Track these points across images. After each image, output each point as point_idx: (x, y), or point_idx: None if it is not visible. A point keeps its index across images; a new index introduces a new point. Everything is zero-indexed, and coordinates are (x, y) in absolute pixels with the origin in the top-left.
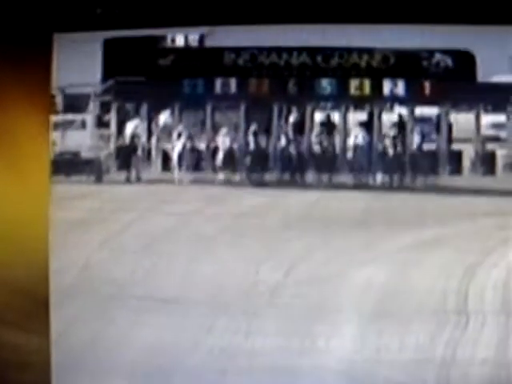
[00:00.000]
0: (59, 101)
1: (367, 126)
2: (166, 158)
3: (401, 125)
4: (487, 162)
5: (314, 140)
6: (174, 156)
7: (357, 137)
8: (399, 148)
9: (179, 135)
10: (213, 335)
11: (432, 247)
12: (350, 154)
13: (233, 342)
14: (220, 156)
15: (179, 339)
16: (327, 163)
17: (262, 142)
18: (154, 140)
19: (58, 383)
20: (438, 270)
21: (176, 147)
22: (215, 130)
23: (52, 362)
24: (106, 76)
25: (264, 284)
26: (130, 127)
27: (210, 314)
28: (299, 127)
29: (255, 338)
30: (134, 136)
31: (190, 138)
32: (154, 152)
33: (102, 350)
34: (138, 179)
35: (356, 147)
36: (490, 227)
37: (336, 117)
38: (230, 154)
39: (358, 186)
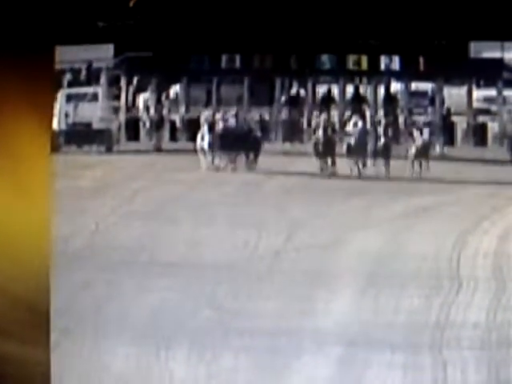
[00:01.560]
0: (72, 75)
1: (364, 98)
2: (173, 128)
3: (396, 98)
4: (479, 134)
5: (315, 112)
6: (178, 125)
7: (355, 110)
8: (395, 120)
9: (187, 107)
10: (216, 298)
11: (426, 215)
12: (348, 126)
13: (235, 305)
14: (224, 127)
15: (184, 302)
16: (326, 133)
17: (265, 113)
18: (162, 111)
19: (64, 345)
20: (431, 236)
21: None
22: (220, 102)
23: (51, 373)
24: (117, 51)
25: (265, 249)
26: (139, 100)
27: (214, 277)
28: (299, 100)
29: (257, 301)
30: (143, 108)
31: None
32: (162, 123)
33: (109, 313)
34: (158, 148)
35: (354, 119)
36: (482, 196)
37: (335, 91)
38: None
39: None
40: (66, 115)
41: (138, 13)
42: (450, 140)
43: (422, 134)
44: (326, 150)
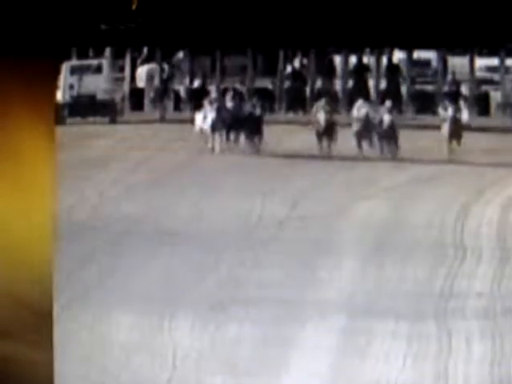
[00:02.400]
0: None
1: (368, 68)
2: (177, 98)
3: (399, 67)
4: (482, 103)
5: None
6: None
7: (358, 78)
8: (399, 88)
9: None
10: (220, 267)
11: (430, 184)
12: (352, 95)
13: (239, 274)
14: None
15: (188, 271)
16: (331, 101)
17: (268, 83)
18: (166, 82)
19: (68, 316)
20: (435, 205)
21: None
22: (224, 72)
23: (55, 375)
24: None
25: (269, 218)
26: (143, 71)
27: (218, 246)
28: (301, 70)
29: (261, 270)
30: (147, 79)
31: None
32: (166, 93)
33: (113, 283)
34: (162, 118)
35: (358, 88)
36: (485, 164)
37: (337, 60)
38: (239, 95)
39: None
40: (71, 87)
41: (140, 16)
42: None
43: (452, 111)
44: (326, 131)
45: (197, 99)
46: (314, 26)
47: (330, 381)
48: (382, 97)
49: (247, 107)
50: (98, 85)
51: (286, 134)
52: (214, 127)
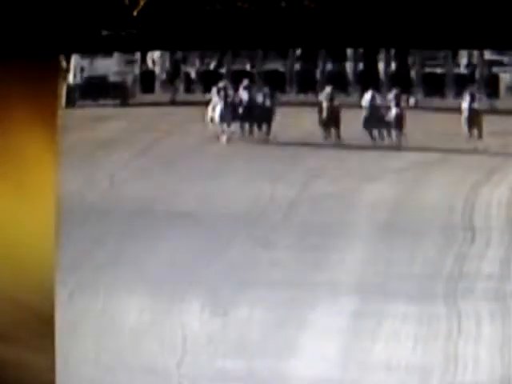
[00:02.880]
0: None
1: (375, 52)
2: (188, 80)
3: (407, 52)
4: (491, 85)
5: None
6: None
7: (368, 61)
8: (408, 71)
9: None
10: (231, 248)
11: (439, 165)
12: (362, 78)
13: (250, 255)
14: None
15: (199, 252)
16: (331, 103)
17: (279, 65)
18: (177, 64)
19: (77, 299)
20: (445, 187)
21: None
22: (234, 54)
23: (56, 378)
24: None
25: (280, 199)
26: (154, 52)
27: (229, 228)
28: (312, 52)
29: (272, 251)
30: (158, 60)
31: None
32: (177, 75)
33: (123, 266)
34: (173, 102)
35: (368, 71)
36: (494, 146)
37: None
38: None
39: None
40: (82, 69)
41: (141, 22)
42: (463, 91)
43: (469, 100)
44: (330, 120)
45: (208, 81)
46: (326, 25)
47: (340, 363)
48: (391, 81)
49: (258, 97)
50: (109, 67)
51: (296, 115)
52: (222, 118)
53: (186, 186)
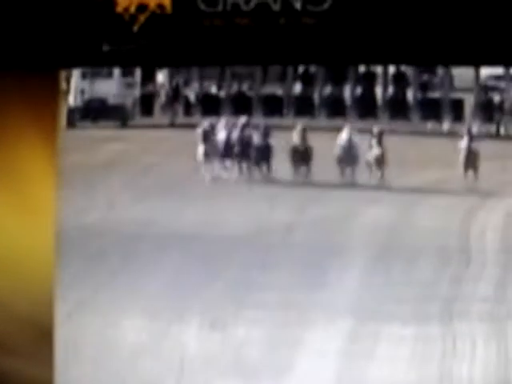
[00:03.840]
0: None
1: (372, 77)
2: (187, 104)
3: (406, 74)
4: (488, 110)
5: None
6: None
7: (362, 85)
8: (404, 96)
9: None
10: (228, 271)
11: (436, 189)
12: (358, 102)
13: (247, 277)
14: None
15: (198, 274)
16: (303, 141)
17: (277, 89)
18: (176, 87)
19: (77, 317)
20: (441, 210)
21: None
22: (234, 77)
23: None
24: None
25: (277, 222)
26: (155, 76)
27: (226, 250)
28: (310, 76)
29: (269, 274)
30: (157, 83)
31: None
32: (176, 98)
33: (122, 285)
34: (172, 124)
35: (364, 95)
36: (491, 170)
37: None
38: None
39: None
40: (82, 91)
41: (142, 37)
42: (459, 115)
43: (467, 140)
44: (302, 157)
45: (207, 104)
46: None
47: (336, 383)
48: (389, 105)
49: (253, 136)
50: (109, 89)
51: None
52: (206, 157)
53: (184, 208)
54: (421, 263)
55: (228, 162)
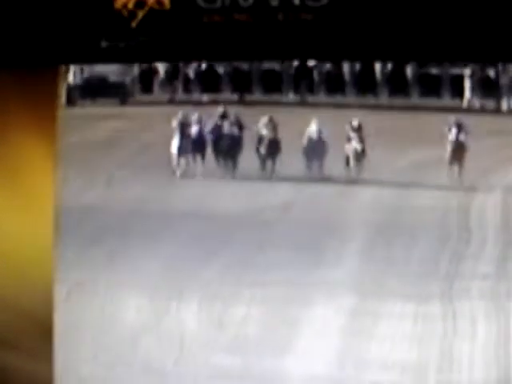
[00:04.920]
0: None
1: None
2: (187, 80)
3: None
4: (488, 86)
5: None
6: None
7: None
8: (404, 70)
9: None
10: (227, 248)
11: (436, 166)
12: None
13: (246, 255)
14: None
15: (195, 253)
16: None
17: (276, 65)
18: (176, 63)
19: (76, 297)
20: (440, 188)
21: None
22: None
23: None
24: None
25: (276, 199)
26: None
27: (225, 228)
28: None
29: (268, 252)
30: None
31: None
32: (176, 75)
33: (121, 265)
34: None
35: (365, 70)
36: (492, 146)
37: None
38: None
39: (366, 107)
40: (81, 70)
41: (140, 34)
42: (459, 91)
43: (456, 132)
44: (269, 150)
45: (206, 81)
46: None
47: (336, 361)
48: (388, 79)
49: (226, 127)
50: (108, 67)
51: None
52: (179, 151)
53: (184, 185)
54: (421, 241)
55: (199, 157)
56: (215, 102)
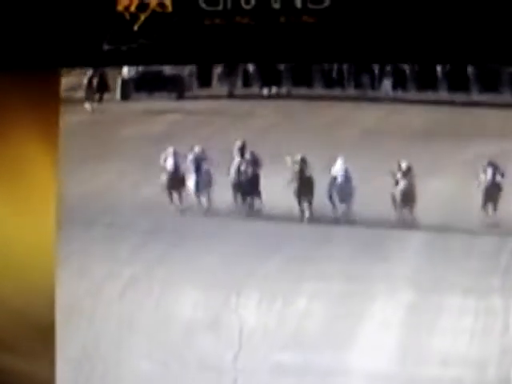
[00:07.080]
0: None
1: None
2: (246, 74)
3: None
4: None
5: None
6: None
7: None
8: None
9: None
10: (287, 244)
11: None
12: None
13: (307, 251)
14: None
15: (256, 247)
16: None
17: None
18: None
19: (131, 293)
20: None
21: None
22: None
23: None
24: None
25: None
26: None
27: (285, 223)
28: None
29: (329, 247)
30: None
31: None
32: (235, 69)
33: (179, 260)
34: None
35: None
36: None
37: None
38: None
39: (423, 102)
40: None
41: (142, 36)
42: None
43: (490, 174)
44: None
45: (266, 75)
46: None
47: (397, 356)
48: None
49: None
50: None
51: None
52: (197, 188)
53: None
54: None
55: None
56: (275, 97)
